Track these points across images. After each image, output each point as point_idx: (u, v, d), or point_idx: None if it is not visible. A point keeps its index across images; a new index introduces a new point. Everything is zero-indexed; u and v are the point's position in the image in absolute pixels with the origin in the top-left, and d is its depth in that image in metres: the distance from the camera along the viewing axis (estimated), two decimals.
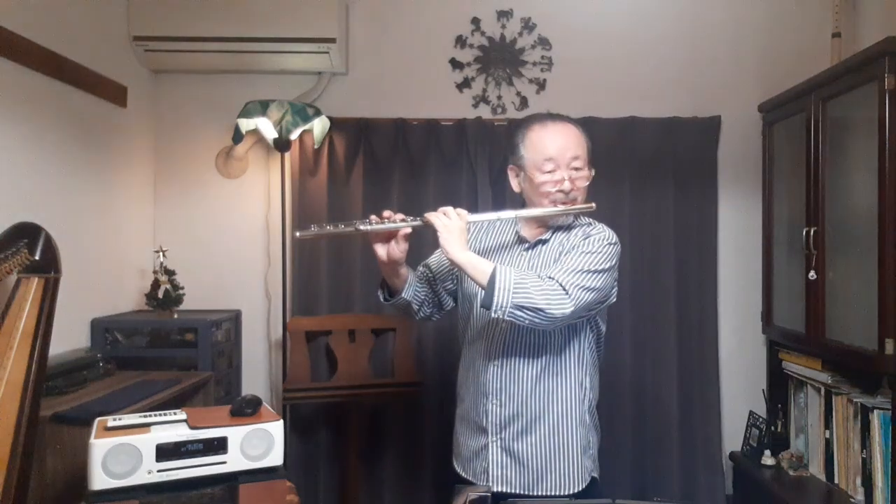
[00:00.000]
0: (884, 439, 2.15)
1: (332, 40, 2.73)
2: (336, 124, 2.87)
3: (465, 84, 2.99)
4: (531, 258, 1.76)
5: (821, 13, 2.85)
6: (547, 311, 1.55)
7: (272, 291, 2.96)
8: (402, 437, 2.88)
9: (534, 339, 1.71)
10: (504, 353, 1.73)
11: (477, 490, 1.36)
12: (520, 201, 1.83)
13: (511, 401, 1.72)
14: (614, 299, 1.77)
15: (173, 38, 2.73)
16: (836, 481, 2.41)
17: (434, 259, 1.90)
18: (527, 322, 1.57)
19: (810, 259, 2.43)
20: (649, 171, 2.90)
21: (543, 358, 1.72)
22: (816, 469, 2.53)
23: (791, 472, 2.56)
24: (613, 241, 1.71)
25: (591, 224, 1.78)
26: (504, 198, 2.78)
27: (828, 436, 2.45)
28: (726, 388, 2.94)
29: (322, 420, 2.88)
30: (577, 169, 1.71)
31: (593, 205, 1.73)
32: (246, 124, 2.72)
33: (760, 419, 2.78)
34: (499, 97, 2.99)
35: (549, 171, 1.70)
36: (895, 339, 2.00)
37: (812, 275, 2.42)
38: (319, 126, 2.81)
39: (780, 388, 2.79)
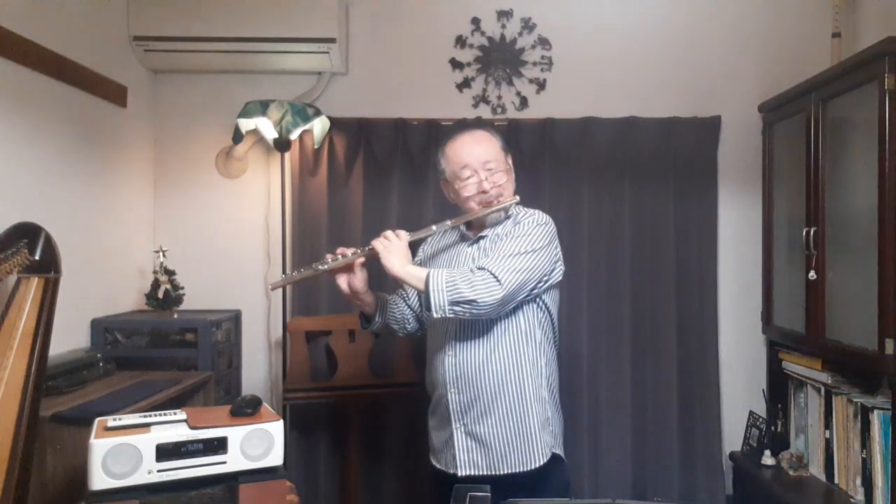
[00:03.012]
0: (884, 439, 2.15)
1: (332, 40, 2.73)
2: (336, 124, 2.87)
3: (465, 84, 2.98)
4: (473, 252, 1.90)
5: (821, 13, 2.85)
6: (478, 300, 1.67)
7: (272, 291, 2.96)
8: (402, 437, 2.88)
9: (481, 326, 1.82)
10: (453, 343, 1.85)
11: (477, 490, 1.36)
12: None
13: (467, 387, 1.83)
14: (559, 277, 1.87)
15: (173, 38, 2.72)
16: (836, 481, 2.41)
17: None
18: (467, 315, 1.70)
19: (810, 259, 2.43)
20: (649, 172, 2.90)
21: (490, 341, 1.82)
22: (816, 469, 2.53)
23: (791, 472, 2.56)
24: (543, 221, 1.84)
25: (525, 212, 1.90)
26: None
27: (828, 436, 2.45)
28: (726, 388, 2.94)
29: (322, 420, 2.88)
30: (490, 170, 1.84)
31: (517, 198, 1.87)
32: (246, 124, 2.72)
33: (760, 419, 2.78)
34: (499, 97, 2.99)
35: (467, 178, 1.85)
36: (895, 339, 2.00)
37: (812, 275, 2.42)
38: (319, 126, 2.81)
39: (780, 388, 2.79)
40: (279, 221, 2.81)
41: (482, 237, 1.90)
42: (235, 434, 1.44)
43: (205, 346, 2.56)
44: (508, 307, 1.75)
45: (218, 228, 2.99)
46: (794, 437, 2.71)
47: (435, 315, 1.68)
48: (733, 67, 2.97)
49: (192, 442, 1.41)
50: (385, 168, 2.91)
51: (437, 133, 2.89)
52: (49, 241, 1.72)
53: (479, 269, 1.72)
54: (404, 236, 1.80)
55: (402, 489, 2.88)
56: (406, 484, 2.87)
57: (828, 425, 2.45)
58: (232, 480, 1.43)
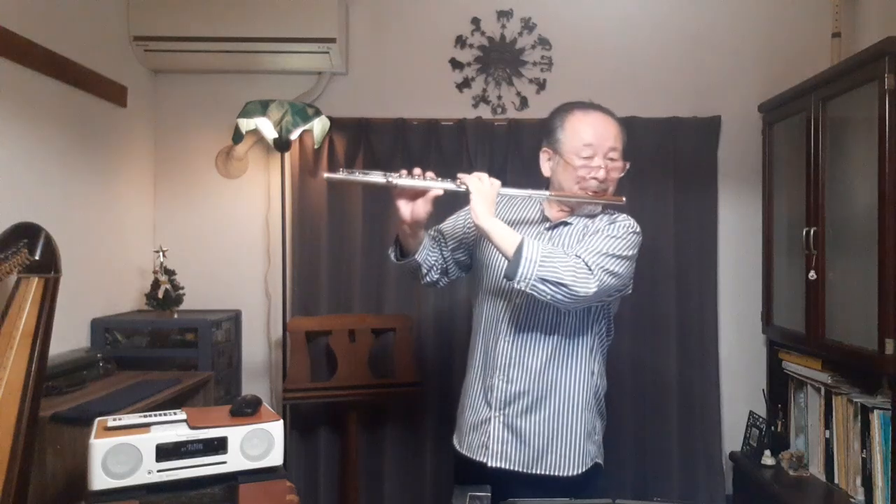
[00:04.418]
0: (884, 439, 2.15)
1: (332, 40, 2.73)
2: (336, 124, 2.87)
3: (465, 84, 2.99)
4: (551, 238, 1.75)
5: (821, 13, 2.85)
6: (572, 287, 1.54)
7: (272, 291, 2.96)
8: (402, 438, 2.88)
9: (549, 318, 1.70)
10: (517, 330, 1.72)
11: (477, 490, 1.37)
12: (545, 185, 1.81)
13: (519, 378, 1.71)
14: (630, 291, 1.77)
15: (173, 38, 2.73)
16: (836, 481, 2.41)
17: (448, 225, 1.90)
18: (548, 297, 1.55)
19: (810, 259, 2.43)
20: (649, 172, 2.89)
21: (556, 339, 1.71)
22: (816, 469, 2.53)
23: (791, 472, 2.56)
24: (637, 230, 1.72)
25: (619, 214, 1.78)
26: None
27: (828, 436, 2.45)
28: (726, 388, 2.94)
29: (322, 420, 2.88)
30: (613, 159, 1.72)
31: (623, 199, 1.75)
32: (246, 124, 2.72)
33: (760, 419, 2.78)
34: (499, 97, 2.99)
35: (587, 157, 1.70)
36: (895, 339, 2.00)
37: (812, 275, 2.41)
38: (319, 126, 2.81)
39: (780, 388, 2.79)
40: (279, 221, 2.81)
41: (564, 223, 1.76)
42: (235, 434, 1.44)
43: (205, 346, 2.57)
44: (585, 305, 1.64)
45: (218, 228, 2.99)
46: (794, 437, 2.71)
47: (516, 285, 1.54)
48: (733, 67, 2.97)
49: (192, 442, 1.41)
50: (385, 168, 2.84)
51: (438, 133, 2.89)
52: (49, 241, 1.72)
53: (575, 255, 1.59)
54: (497, 186, 1.63)
55: (401, 489, 2.88)
56: (406, 484, 2.87)
57: (828, 425, 2.45)
58: (232, 480, 1.43)
